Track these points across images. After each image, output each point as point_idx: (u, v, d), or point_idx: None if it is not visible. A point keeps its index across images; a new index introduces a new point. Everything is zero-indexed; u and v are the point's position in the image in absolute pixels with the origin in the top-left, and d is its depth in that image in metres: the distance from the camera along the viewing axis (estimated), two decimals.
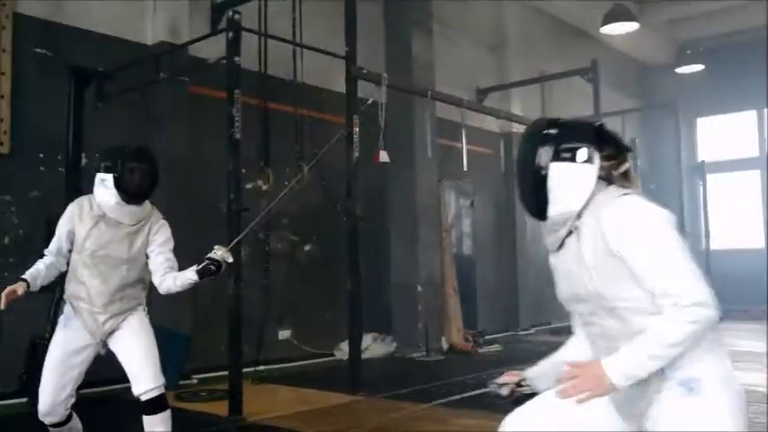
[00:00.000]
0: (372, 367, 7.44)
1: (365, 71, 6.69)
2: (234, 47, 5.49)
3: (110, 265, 3.56)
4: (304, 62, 6.80)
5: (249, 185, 6.47)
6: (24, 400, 5.44)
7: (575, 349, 2.40)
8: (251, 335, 6.10)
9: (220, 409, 5.39)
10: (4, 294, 3.37)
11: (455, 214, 10.22)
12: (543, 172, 2.14)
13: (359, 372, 6.35)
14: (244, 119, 5.47)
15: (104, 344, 3.61)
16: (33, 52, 6.30)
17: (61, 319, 3.66)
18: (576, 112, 12.63)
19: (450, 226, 9.84)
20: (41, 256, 3.70)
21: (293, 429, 4.97)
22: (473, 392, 6.14)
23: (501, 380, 2.49)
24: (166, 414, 3.54)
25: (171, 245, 3.70)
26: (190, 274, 3.52)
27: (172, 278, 3.58)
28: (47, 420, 3.57)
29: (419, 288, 8.83)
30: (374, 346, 8.57)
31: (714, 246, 13.89)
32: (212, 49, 6.20)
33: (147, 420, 3.50)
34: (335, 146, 6.90)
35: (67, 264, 3.66)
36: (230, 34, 5.51)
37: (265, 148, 6.54)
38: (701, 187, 14.16)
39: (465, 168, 7.89)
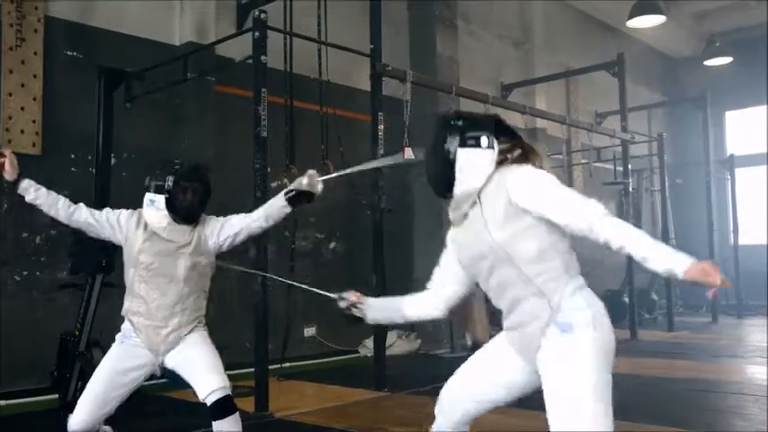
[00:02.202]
0: (397, 364, 7.48)
1: (390, 68, 6.71)
2: (260, 46, 5.53)
3: (166, 277, 3.43)
4: (329, 60, 6.83)
5: (274, 184, 6.53)
6: (56, 396, 5.54)
7: (414, 301, 2.93)
8: (276, 332, 6.16)
9: (247, 405, 5.43)
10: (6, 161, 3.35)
11: None
12: (452, 157, 2.54)
13: (384, 368, 6.39)
14: (270, 117, 5.52)
15: (162, 363, 3.47)
16: (64, 54, 6.42)
17: (118, 336, 3.51)
18: (602, 107, 12.60)
19: None
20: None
21: (319, 425, 5.01)
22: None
23: (346, 294, 2.98)
24: (235, 417, 3.39)
25: (226, 218, 3.58)
26: (280, 202, 3.43)
27: (262, 217, 3.49)
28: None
29: None
30: (399, 343, 8.60)
31: (742, 241, 13.72)
32: (238, 49, 6.27)
33: (216, 425, 3.36)
34: (361, 143, 6.95)
35: (72, 216, 3.55)
36: (256, 33, 5.55)
37: (291, 146, 6.58)
38: (729, 182, 13.98)
39: None
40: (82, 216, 3.55)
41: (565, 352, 2.38)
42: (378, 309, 2.98)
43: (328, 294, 2.95)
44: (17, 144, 6.02)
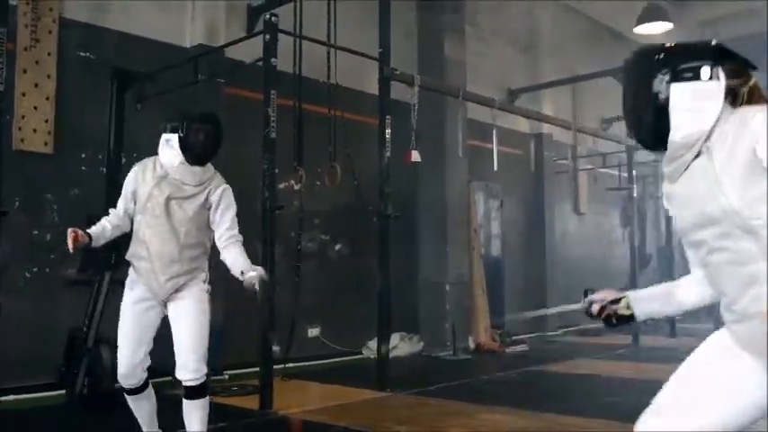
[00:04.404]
0: (400, 366, 7.55)
1: (398, 72, 6.79)
2: (270, 49, 5.62)
3: (168, 225, 3.61)
4: (339, 64, 6.91)
5: (282, 185, 6.61)
6: (62, 392, 5.62)
7: (687, 284, 2.29)
8: (281, 332, 6.23)
9: (251, 403, 5.53)
10: (70, 238, 3.43)
11: (484, 215, 10.27)
12: (663, 96, 2.00)
13: (387, 369, 6.45)
14: (278, 119, 5.61)
15: (165, 305, 3.69)
16: (77, 55, 6.50)
17: (127, 282, 3.76)
18: (608, 112, 12.63)
19: (479, 226, 9.90)
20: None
21: (322, 422, 5.09)
22: (499, 389, 6.23)
23: (595, 296, 2.40)
24: (205, 401, 3.67)
25: (233, 210, 3.74)
26: (239, 274, 3.52)
27: (231, 258, 3.62)
28: (127, 383, 3.72)
29: (447, 287, 8.91)
30: (402, 345, 8.67)
31: None
32: (248, 51, 6.34)
33: (186, 404, 3.65)
34: (368, 146, 7.02)
35: (122, 226, 3.78)
36: (267, 36, 5.64)
37: (298, 148, 6.66)
38: None
39: (495, 169, 7.94)
40: (122, 221, 3.77)
41: None
42: (646, 301, 2.39)
43: (576, 308, 2.51)
44: (29, 143, 6.11)
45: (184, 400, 3.65)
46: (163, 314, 3.72)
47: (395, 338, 8.33)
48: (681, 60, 2.00)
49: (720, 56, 2.00)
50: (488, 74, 10.66)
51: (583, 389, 6.54)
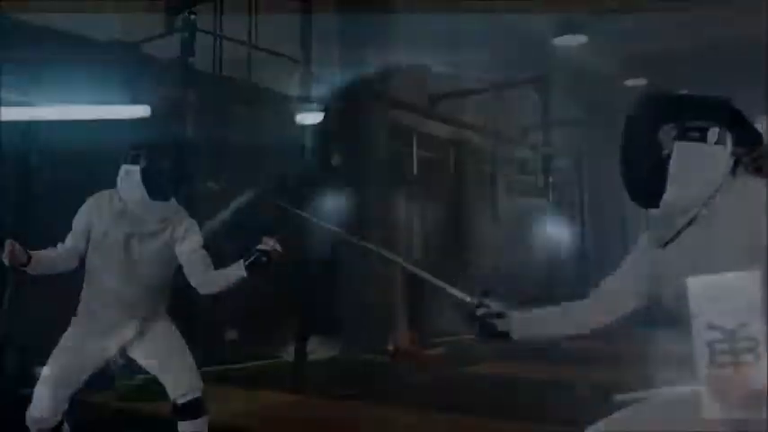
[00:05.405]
0: (318, 369, 7.52)
1: (319, 75, 6.78)
2: (188, 47, 5.53)
3: (129, 265, 3.24)
4: (260, 65, 6.85)
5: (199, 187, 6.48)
6: None
7: (580, 309, 2.24)
8: (197, 336, 6.11)
9: (163, 409, 5.39)
10: (7, 250, 2.96)
11: (405, 218, 10.35)
12: (665, 152, 1.88)
13: (304, 372, 6.43)
14: (197, 119, 5.52)
15: (122, 351, 3.33)
16: None
17: (74, 319, 3.33)
18: (527, 121, 12.94)
19: (400, 230, 9.97)
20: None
21: (237, 427, 5.01)
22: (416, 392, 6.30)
23: (488, 302, 2.32)
24: (204, 420, 3.37)
25: (201, 243, 3.35)
26: (238, 270, 3.21)
27: (216, 276, 3.29)
28: (36, 427, 3.23)
29: (367, 291, 8.93)
30: (320, 348, 8.63)
31: None
32: (166, 49, 6.21)
33: (182, 426, 3.32)
34: (289, 149, 6.99)
35: (81, 264, 3.31)
36: (185, 34, 5.55)
37: (218, 148, 6.56)
38: None
39: (415, 172, 8.03)
40: (69, 259, 3.28)
41: None
42: (528, 323, 2.30)
43: (463, 296, 2.40)
44: None
45: (184, 424, 3.31)
46: (109, 356, 3.34)
47: (313, 341, 8.29)
48: (689, 116, 1.89)
49: (731, 120, 1.90)
50: (409, 80, 10.74)
51: (498, 390, 6.66)
